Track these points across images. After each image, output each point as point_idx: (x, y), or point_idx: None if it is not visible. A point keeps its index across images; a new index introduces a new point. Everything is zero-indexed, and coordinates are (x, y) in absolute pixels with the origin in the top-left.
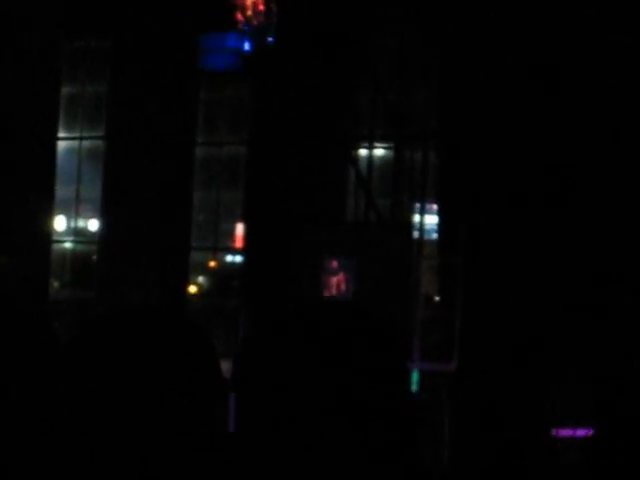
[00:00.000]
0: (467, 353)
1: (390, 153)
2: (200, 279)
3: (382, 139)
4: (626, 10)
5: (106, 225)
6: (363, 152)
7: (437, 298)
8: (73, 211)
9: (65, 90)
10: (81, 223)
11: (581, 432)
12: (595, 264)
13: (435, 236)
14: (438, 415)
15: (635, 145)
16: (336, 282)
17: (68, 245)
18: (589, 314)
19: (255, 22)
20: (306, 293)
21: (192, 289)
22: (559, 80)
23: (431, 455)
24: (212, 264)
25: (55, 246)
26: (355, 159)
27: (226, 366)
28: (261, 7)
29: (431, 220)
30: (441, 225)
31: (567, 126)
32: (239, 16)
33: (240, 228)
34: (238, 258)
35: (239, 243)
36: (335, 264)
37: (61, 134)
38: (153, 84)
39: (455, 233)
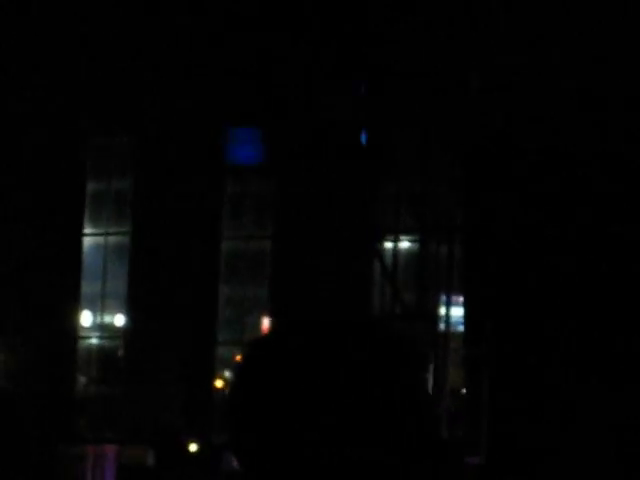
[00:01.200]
0: (494, 447)
1: (415, 246)
2: (227, 374)
3: (407, 232)
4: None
5: (132, 320)
6: (388, 245)
7: (464, 391)
8: (99, 307)
9: (90, 186)
10: (107, 318)
11: None
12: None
13: (461, 328)
14: None
15: None
16: None
17: (94, 340)
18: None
19: None
20: None
21: (219, 384)
22: (575, 176)
23: None
24: (238, 358)
25: (81, 342)
26: (381, 252)
27: None
28: None
29: (457, 312)
30: (467, 317)
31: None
32: None
33: (267, 322)
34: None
35: None
36: None
37: (87, 230)
38: (178, 179)
39: (481, 325)
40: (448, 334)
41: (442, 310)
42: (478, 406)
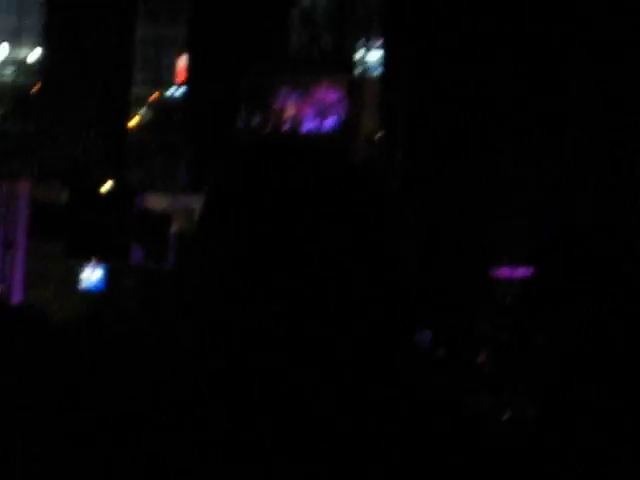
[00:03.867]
0: (409, 192)
1: None
2: (142, 112)
3: None
4: None
5: (48, 56)
6: None
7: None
8: (14, 41)
9: None
10: (22, 53)
11: (520, 272)
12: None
13: (378, 72)
14: None
15: None
16: (293, 114)
17: (8, 75)
18: (532, 160)
19: None
20: (255, 125)
21: (133, 122)
22: None
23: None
24: (152, 99)
25: None
26: None
27: (167, 200)
28: None
29: (375, 57)
30: (385, 61)
31: None
32: None
33: (183, 61)
34: (179, 92)
35: (181, 77)
36: (287, 95)
37: None
38: None
39: (399, 69)
40: (365, 79)
41: (360, 55)
42: (393, 152)
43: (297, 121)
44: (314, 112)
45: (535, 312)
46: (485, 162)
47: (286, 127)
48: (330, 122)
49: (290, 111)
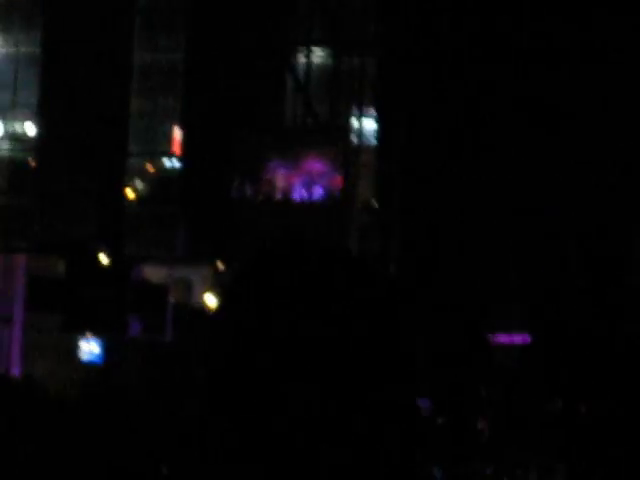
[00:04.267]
0: (405, 257)
1: (329, 59)
2: (138, 184)
3: (320, 45)
4: None
5: (43, 131)
6: (302, 59)
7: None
8: (10, 116)
9: None
10: (19, 128)
11: (518, 338)
12: (534, 182)
13: (372, 141)
14: None
15: None
16: (283, 184)
17: (5, 151)
18: (527, 221)
19: None
20: (248, 195)
21: (130, 194)
22: None
23: None
24: (148, 170)
25: None
26: (293, 65)
27: (164, 271)
28: None
29: (368, 125)
30: (379, 131)
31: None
32: None
33: (178, 132)
34: (175, 163)
35: (177, 149)
36: (277, 166)
37: None
38: None
39: (393, 138)
40: (360, 147)
41: (353, 123)
42: (389, 219)
43: (287, 191)
44: (303, 182)
45: (532, 379)
46: (484, 227)
47: (277, 197)
48: (319, 191)
49: (280, 181)
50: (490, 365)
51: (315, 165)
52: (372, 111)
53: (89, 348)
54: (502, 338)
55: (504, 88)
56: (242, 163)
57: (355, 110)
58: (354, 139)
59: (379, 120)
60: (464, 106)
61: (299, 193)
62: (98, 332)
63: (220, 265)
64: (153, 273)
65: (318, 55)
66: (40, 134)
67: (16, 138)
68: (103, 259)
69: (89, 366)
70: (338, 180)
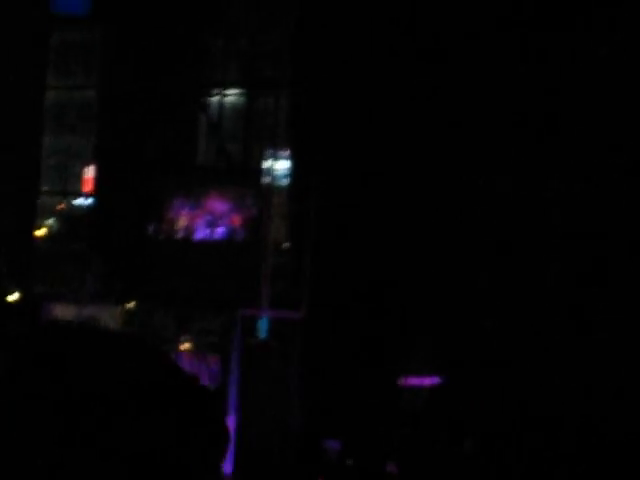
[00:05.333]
0: (316, 301)
1: (242, 100)
2: (49, 222)
3: (234, 85)
4: None
5: None
6: (215, 99)
7: (287, 245)
8: None
9: None
10: None
11: (427, 381)
12: (444, 220)
13: (286, 183)
14: (286, 362)
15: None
16: (186, 224)
17: None
18: (437, 267)
19: None
20: (150, 234)
21: (40, 233)
22: (415, 33)
23: (283, 404)
24: (60, 208)
25: None
26: (206, 105)
27: (74, 310)
28: None
29: (283, 166)
30: (293, 171)
31: (424, 79)
32: None
33: (90, 171)
34: (86, 202)
35: (88, 187)
36: (183, 206)
37: None
38: (2, 27)
39: (307, 180)
40: (272, 188)
41: (268, 164)
42: (301, 261)
43: (190, 230)
44: (205, 222)
45: (444, 419)
46: (399, 269)
47: (179, 236)
48: (220, 231)
49: (183, 221)
50: (398, 408)
51: (217, 205)
52: (287, 152)
53: None
54: (411, 381)
55: (421, 131)
56: (148, 201)
57: (269, 150)
58: (267, 179)
59: (293, 160)
60: (380, 146)
61: (203, 233)
62: None
63: (130, 304)
64: (62, 312)
65: (232, 94)
66: None
67: None
68: (12, 296)
69: None
70: (239, 220)
